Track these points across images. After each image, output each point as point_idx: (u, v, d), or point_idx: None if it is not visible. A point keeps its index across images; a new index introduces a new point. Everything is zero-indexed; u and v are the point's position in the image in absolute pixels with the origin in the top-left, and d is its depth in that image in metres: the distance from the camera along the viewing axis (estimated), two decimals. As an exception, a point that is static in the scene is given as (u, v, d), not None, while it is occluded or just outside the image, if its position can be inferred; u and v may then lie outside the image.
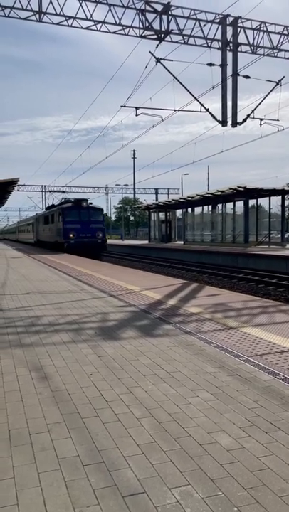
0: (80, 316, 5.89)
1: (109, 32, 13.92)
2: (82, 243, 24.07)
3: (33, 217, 43.46)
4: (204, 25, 14.56)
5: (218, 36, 14.73)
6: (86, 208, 25.63)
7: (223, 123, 14.96)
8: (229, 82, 14.76)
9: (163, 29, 14.08)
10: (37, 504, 1.84)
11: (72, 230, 24.48)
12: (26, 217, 62.68)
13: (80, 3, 13.17)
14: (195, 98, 15.08)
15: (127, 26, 13.82)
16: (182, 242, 31.94)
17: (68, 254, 22.65)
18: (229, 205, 27.09)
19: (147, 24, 13.91)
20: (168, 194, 59.39)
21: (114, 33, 13.96)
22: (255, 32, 15.18)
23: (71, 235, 24.27)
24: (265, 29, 15.24)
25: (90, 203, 26.45)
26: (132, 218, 78.74)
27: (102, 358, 3.94)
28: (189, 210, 32.07)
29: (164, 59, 14.32)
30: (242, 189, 22.87)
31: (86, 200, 26.86)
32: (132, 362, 3.82)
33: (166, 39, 14.28)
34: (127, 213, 77.79)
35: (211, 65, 14.73)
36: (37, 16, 12.97)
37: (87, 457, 2.22)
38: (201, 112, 15.35)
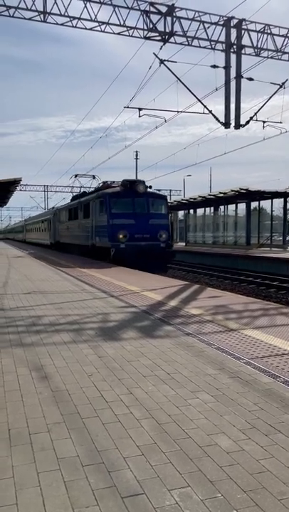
0: (81, 317, 5.89)
1: (114, 33, 13.93)
2: (138, 248, 15.34)
3: (49, 211, 33.65)
4: (208, 27, 14.55)
5: (222, 38, 14.72)
6: (143, 194, 16.48)
7: (226, 125, 14.95)
8: (233, 84, 14.75)
9: (167, 30, 14.09)
10: (36, 504, 1.84)
11: (123, 227, 15.70)
12: (28, 216, 61.78)
13: (85, 4, 13.18)
14: (198, 100, 15.09)
15: (131, 27, 13.82)
16: (184, 244, 31.94)
17: (116, 265, 14.54)
18: (231, 207, 27.12)
19: (151, 25, 13.91)
20: (170, 195, 59.36)
21: (118, 34, 13.97)
22: (259, 34, 15.17)
23: (121, 236, 15.47)
24: (269, 31, 15.22)
25: (149, 187, 17.02)
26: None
27: (103, 359, 3.94)
28: (191, 211, 32.09)
29: (168, 60, 14.34)
30: (244, 191, 22.88)
31: (142, 181, 17.02)
32: (132, 363, 3.82)
33: (170, 40, 14.28)
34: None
35: (214, 66, 14.72)
36: (41, 16, 12.98)
37: (86, 458, 2.22)
38: (204, 113, 15.35)
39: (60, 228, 26.62)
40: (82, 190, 25.91)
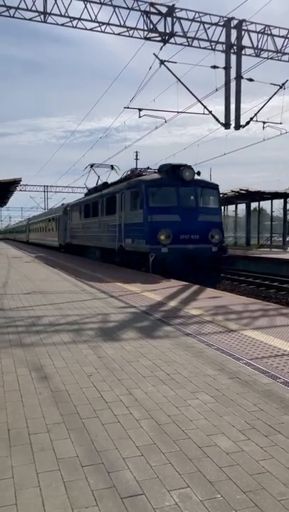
0: (81, 317, 5.89)
1: (114, 33, 13.93)
2: (184, 253, 12.00)
3: (57, 208, 29.69)
4: (208, 28, 14.55)
5: (222, 39, 14.71)
6: (190, 182, 12.88)
7: (226, 125, 14.95)
8: (233, 84, 14.75)
9: (167, 31, 14.08)
10: (35, 504, 1.84)
11: (165, 225, 12.23)
12: (29, 216, 61.47)
13: (85, 5, 13.17)
14: (198, 100, 15.09)
15: (131, 28, 13.81)
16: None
17: (159, 275, 11.24)
18: (231, 207, 27.21)
19: (152, 26, 13.91)
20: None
21: (118, 34, 13.96)
22: (259, 35, 15.17)
23: (162, 237, 12.08)
24: (269, 32, 15.22)
25: (197, 173, 13.23)
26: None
27: (102, 359, 3.94)
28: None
29: (168, 61, 14.33)
30: (244, 192, 22.93)
31: (189, 166, 13.14)
32: (132, 363, 3.82)
33: (170, 41, 14.28)
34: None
35: (214, 67, 14.72)
36: (42, 16, 12.97)
37: (86, 458, 2.22)
38: (204, 114, 15.34)
39: (72, 227, 22.93)
40: (99, 182, 21.27)
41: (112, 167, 21.70)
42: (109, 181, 18.66)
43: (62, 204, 29.33)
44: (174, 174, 12.92)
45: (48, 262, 16.34)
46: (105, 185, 18.50)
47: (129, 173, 16.11)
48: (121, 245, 14.24)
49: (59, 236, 26.31)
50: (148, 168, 15.38)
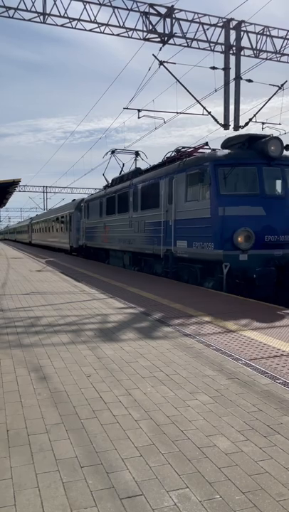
0: (80, 318, 5.89)
1: (113, 34, 13.95)
2: (270, 261, 8.54)
3: (68, 204, 25.64)
4: (208, 29, 14.57)
5: (222, 40, 14.74)
6: (277, 159, 9.02)
7: (226, 126, 14.97)
8: (232, 85, 14.78)
9: (166, 32, 14.11)
10: (34, 505, 1.84)
11: (243, 222, 8.50)
12: (28, 217, 61.27)
13: (84, 6, 13.19)
14: (197, 101, 15.09)
15: (130, 29, 13.84)
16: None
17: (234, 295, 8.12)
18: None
19: (151, 27, 13.94)
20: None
21: (117, 35, 13.98)
22: (259, 36, 15.19)
23: (240, 239, 8.40)
24: (268, 33, 15.25)
25: (286, 147, 9.11)
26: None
27: (102, 360, 3.94)
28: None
29: (167, 62, 14.34)
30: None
31: (275, 137, 9.09)
32: (131, 364, 3.82)
33: (169, 42, 14.31)
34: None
35: (213, 68, 14.75)
36: (41, 17, 12.99)
37: (85, 459, 2.22)
38: (203, 115, 15.36)
39: (88, 227, 19.14)
40: (122, 170, 17.80)
41: (136, 153, 18.03)
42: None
43: (74, 200, 25.39)
44: (253, 149, 9.15)
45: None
46: (137, 172, 14.55)
47: (174, 153, 12.02)
48: (169, 250, 10.67)
49: (70, 237, 22.53)
50: (206, 144, 11.40)
